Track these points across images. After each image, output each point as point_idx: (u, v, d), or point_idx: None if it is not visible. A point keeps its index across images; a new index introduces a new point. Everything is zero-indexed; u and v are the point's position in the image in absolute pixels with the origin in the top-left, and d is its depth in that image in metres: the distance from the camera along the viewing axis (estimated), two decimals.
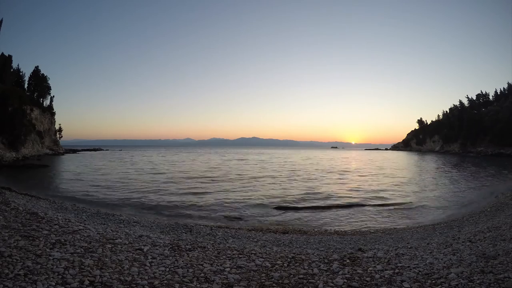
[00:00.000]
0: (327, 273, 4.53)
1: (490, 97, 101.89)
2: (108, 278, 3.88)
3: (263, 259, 5.32)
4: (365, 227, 10.60)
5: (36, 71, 67.22)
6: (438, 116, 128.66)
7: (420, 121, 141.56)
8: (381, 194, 17.77)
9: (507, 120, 76.70)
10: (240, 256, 5.52)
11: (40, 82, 66.45)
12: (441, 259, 4.99)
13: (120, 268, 4.32)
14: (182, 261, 4.90)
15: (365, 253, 5.92)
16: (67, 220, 7.97)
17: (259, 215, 12.57)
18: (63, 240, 5.53)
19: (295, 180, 24.86)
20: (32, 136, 54.40)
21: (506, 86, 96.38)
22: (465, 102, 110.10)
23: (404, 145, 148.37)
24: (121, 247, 5.48)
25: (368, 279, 4.17)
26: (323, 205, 14.65)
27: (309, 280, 4.16)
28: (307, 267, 4.85)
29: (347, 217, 12.15)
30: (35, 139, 55.95)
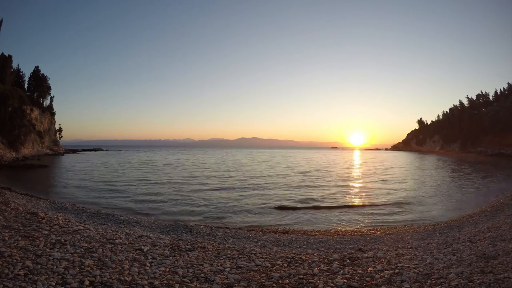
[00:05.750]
0: (327, 273, 4.53)
1: (490, 97, 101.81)
2: (108, 278, 3.89)
3: (263, 259, 5.32)
4: (365, 227, 10.60)
5: (36, 71, 67.17)
6: (438, 116, 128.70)
7: (420, 121, 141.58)
8: (381, 194, 17.76)
9: (507, 120, 76.65)
10: (240, 256, 5.52)
11: (40, 82, 66.39)
12: (441, 259, 5.00)
13: (120, 268, 4.32)
14: (182, 261, 4.90)
15: (365, 253, 5.92)
16: (67, 220, 7.97)
17: (259, 215, 12.56)
18: (63, 240, 5.54)
19: (294, 179, 24.88)
20: (32, 136, 54.37)
21: (506, 86, 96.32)
22: (465, 102, 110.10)
23: (404, 145, 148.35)
24: (121, 247, 5.48)
25: (368, 279, 4.18)
26: (323, 205, 14.64)
27: (309, 280, 4.16)
28: (307, 267, 4.85)
29: (347, 217, 12.14)
30: (35, 139, 55.93)
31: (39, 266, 4.09)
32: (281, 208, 13.87)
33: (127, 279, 3.91)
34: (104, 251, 5.13)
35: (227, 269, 4.60)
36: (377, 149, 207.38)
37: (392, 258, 5.34)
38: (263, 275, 4.44)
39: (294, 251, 6.22)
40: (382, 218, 12.11)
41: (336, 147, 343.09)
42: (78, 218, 8.98)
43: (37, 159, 44.71)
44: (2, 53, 56.48)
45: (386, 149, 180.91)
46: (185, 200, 15.45)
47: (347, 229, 10.37)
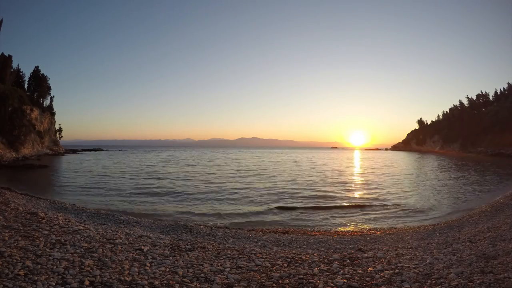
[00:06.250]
0: (327, 273, 4.53)
1: (490, 97, 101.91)
2: (108, 278, 3.89)
3: (263, 259, 5.32)
4: (365, 227, 10.60)
5: (36, 71, 67.17)
6: (438, 116, 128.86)
7: (420, 121, 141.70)
8: (381, 194, 17.76)
9: (507, 120, 76.69)
10: (240, 256, 5.53)
11: (40, 82, 66.38)
12: (441, 259, 5.00)
13: (120, 268, 4.32)
14: (182, 261, 4.91)
15: (365, 253, 5.92)
16: (67, 220, 7.98)
17: (259, 215, 12.57)
18: (63, 240, 5.54)
19: (294, 179, 24.88)
20: (32, 136, 54.36)
21: (506, 86, 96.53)
22: (465, 102, 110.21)
23: (404, 145, 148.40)
24: (121, 247, 5.48)
25: (368, 279, 4.18)
26: (323, 205, 14.64)
27: (309, 280, 4.16)
28: (307, 267, 4.85)
29: (347, 217, 12.15)
30: (35, 139, 55.92)
31: (39, 266, 4.09)
32: (281, 208, 13.87)
33: (127, 279, 3.91)
34: (104, 251, 5.13)
35: (227, 269, 4.60)
36: (377, 149, 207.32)
37: (392, 258, 5.35)
38: (263, 275, 4.44)
39: (294, 251, 6.22)
40: (382, 218, 12.11)
41: (336, 147, 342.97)
42: (78, 218, 8.98)
43: (37, 159, 44.71)
44: (2, 53, 56.48)
45: (386, 149, 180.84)
46: (185, 200, 15.45)
47: (347, 229, 10.37)
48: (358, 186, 21.77)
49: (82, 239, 5.87)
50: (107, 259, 4.64)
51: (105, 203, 14.52)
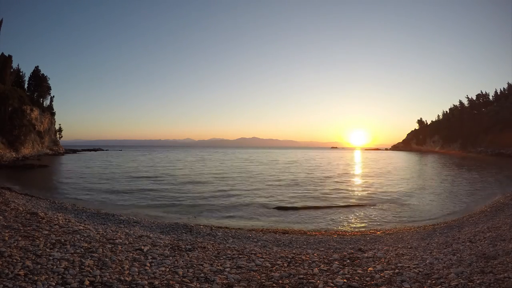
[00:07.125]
0: (327, 273, 4.53)
1: (490, 97, 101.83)
2: (108, 278, 3.89)
3: (263, 259, 5.32)
4: (365, 227, 10.60)
5: (36, 71, 67.15)
6: (438, 116, 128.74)
7: (420, 121, 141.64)
8: (381, 194, 17.76)
9: (507, 120, 76.72)
10: (240, 256, 5.53)
11: (40, 82, 66.37)
12: (441, 259, 5.00)
13: (120, 268, 4.32)
14: (182, 261, 4.91)
15: (365, 253, 5.92)
16: (67, 220, 7.98)
17: (259, 215, 12.57)
18: (63, 240, 5.55)
19: (296, 179, 24.89)
20: (32, 136, 54.36)
21: (506, 86, 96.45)
22: (465, 102, 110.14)
23: (404, 145, 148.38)
24: (121, 247, 5.48)
25: (368, 279, 4.18)
26: (323, 205, 14.64)
27: (309, 280, 4.16)
28: (307, 267, 4.86)
29: (347, 217, 12.15)
30: (35, 139, 55.91)
31: (39, 266, 4.09)
32: (281, 208, 13.87)
33: (127, 279, 3.91)
34: (104, 251, 5.13)
35: (227, 269, 4.60)
36: (377, 149, 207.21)
37: (392, 258, 5.35)
38: (263, 275, 4.44)
39: (294, 251, 6.22)
40: (382, 218, 12.11)
41: (336, 147, 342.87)
42: (78, 218, 8.98)
43: (37, 159, 44.69)
44: (2, 53, 56.46)
45: (386, 149, 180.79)
46: (185, 200, 15.44)
47: (347, 229, 10.37)
48: (358, 186, 21.76)
49: (82, 239, 5.87)
50: (107, 259, 4.65)
51: (105, 202, 14.52)
